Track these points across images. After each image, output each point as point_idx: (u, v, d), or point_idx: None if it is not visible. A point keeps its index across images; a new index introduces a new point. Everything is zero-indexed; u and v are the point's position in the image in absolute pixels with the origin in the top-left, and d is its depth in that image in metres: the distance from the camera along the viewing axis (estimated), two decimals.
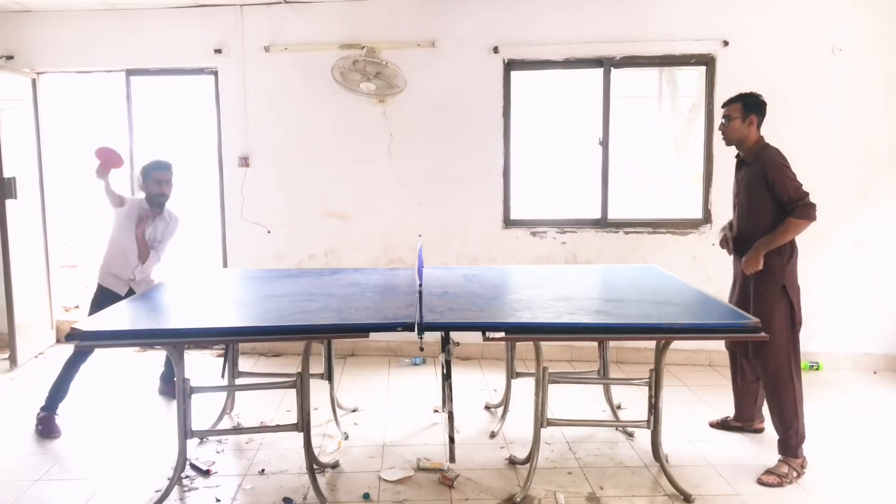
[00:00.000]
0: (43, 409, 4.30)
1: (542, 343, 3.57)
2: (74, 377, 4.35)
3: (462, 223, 5.72)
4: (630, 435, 4.15)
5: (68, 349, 4.31)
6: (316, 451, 3.74)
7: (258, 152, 5.78)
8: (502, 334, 3.17)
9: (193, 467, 3.73)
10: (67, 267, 7.45)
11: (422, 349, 4.48)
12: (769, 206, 3.64)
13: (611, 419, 4.37)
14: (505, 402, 4.38)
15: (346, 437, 4.14)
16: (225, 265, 5.95)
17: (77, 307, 6.42)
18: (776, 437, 3.71)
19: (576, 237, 5.66)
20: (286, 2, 5.59)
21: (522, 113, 5.75)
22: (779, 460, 3.64)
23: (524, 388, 4.40)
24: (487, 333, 3.17)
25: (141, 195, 4.59)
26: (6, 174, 5.37)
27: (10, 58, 5.78)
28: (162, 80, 6.18)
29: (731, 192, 3.99)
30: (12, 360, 5.54)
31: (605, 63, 5.54)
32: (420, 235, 5.41)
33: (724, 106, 3.84)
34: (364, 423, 4.38)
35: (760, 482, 3.54)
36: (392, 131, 5.68)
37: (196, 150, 6.78)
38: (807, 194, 3.56)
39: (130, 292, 4.45)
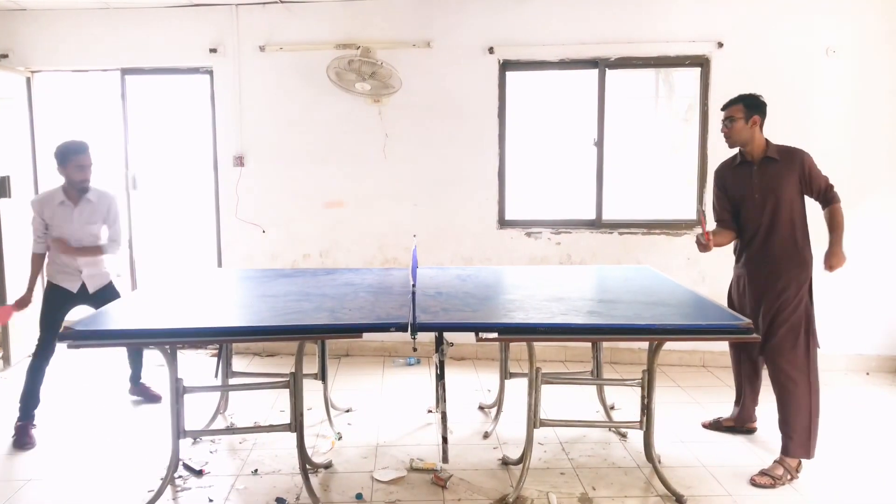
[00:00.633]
0: (19, 419, 4.22)
1: (535, 344, 3.56)
2: (41, 382, 4.28)
3: (457, 223, 5.72)
4: (623, 435, 4.16)
5: (61, 349, 4.29)
6: (309, 452, 3.74)
7: (253, 152, 5.77)
8: (495, 335, 3.17)
9: (186, 467, 3.72)
10: None
11: (415, 349, 4.45)
12: (799, 201, 3.71)
13: (604, 420, 4.38)
14: (499, 402, 4.38)
15: (340, 438, 4.14)
16: (219, 265, 5.94)
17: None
18: (769, 437, 3.72)
19: (570, 238, 5.66)
20: (281, 1, 5.59)
21: (517, 113, 5.76)
22: (775, 461, 3.64)
23: (518, 389, 4.40)
24: (481, 334, 3.17)
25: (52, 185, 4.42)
26: (0, 173, 5.36)
27: (4, 56, 5.77)
28: (157, 79, 6.16)
29: (729, 193, 3.92)
30: (5, 359, 5.53)
31: (601, 64, 5.55)
32: (415, 235, 5.42)
33: (724, 108, 3.81)
34: (357, 424, 4.38)
35: (754, 483, 3.55)
36: (387, 131, 5.68)
37: (191, 150, 6.78)
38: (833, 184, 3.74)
39: (84, 288, 4.40)
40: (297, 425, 3.46)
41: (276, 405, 4.64)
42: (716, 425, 4.26)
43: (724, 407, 4.30)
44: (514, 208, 5.79)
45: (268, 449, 3.98)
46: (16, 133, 5.75)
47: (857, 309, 5.48)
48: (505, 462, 3.80)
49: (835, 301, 5.46)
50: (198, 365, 5.55)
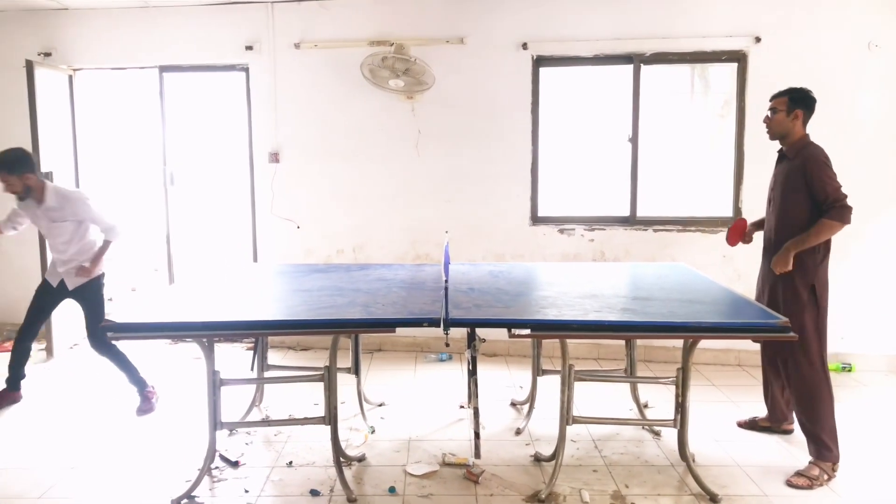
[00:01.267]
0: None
1: (568, 341, 3.56)
2: (24, 357, 4.64)
3: (489, 220, 5.73)
4: (657, 434, 4.13)
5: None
6: (343, 445, 3.78)
7: (288, 148, 5.83)
8: (528, 331, 3.17)
9: (223, 458, 3.79)
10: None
11: (448, 345, 4.50)
12: (805, 203, 3.58)
13: (637, 418, 4.35)
14: (531, 399, 4.38)
15: (373, 431, 4.17)
16: (255, 260, 6.02)
17: (110, 299, 6.53)
18: (805, 438, 3.66)
19: (604, 234, 5.63)
20: None
21: (551, 109, 5.73)
22: (810, 462, 3.60)
23: (550, 386, 4.39)
24: (513, 330, 3.17)
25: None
26: (44, 168, 5.49)
27: (47, 55, 5.91)
28: (194, 76, 6.26)
29: (768, 186, 3.93)
30: (48, 350, 5.67)
31: (635, 59, 5.50)
32: (447, 232, 5.42)
33: (771, 99, 3.78)
34: (390, 418, 4.41)
35: (790, 484, 3.51)
36: (420, 128, 5.70)
37: (227, 147, 6.86)
38: (845, 196, 3.49)
39: (63, 284, 4.55)
40: (331, 418, 3.50)
41: (310, 398, 4.69)
42: (752, 425, 4.22)
43: (760, 406, 4.24)
44: (546, 205, 5.78)
45: (302, 441, 4.03)
46: (58, 130, 5.89)
47: None
48: (537, 458, 3.80)
49: (876, 300, 5.36)
50: (234, 358, 5.63)
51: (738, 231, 4.11)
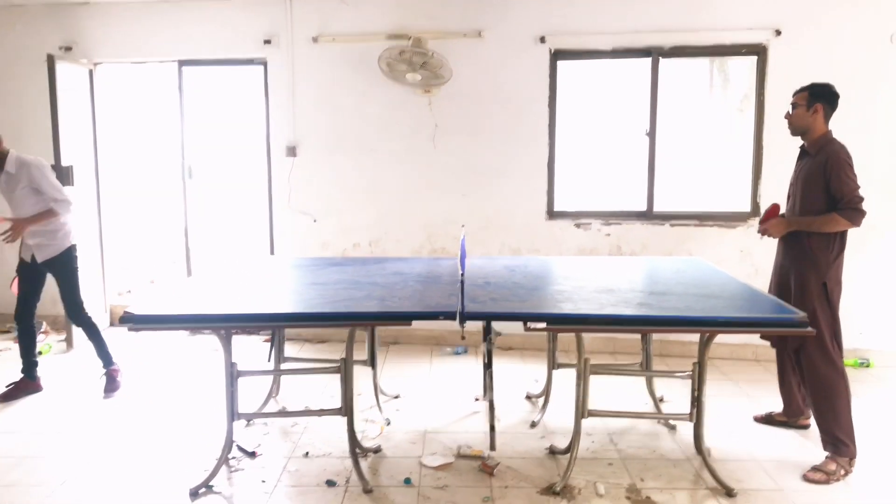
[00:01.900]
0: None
1: (584, 334, 3.56)
2: (33, 341, 4.76)
3: (505, 214, 5.73)
4: (672, 428, 4.13)
5: (122, 332, 4.45)
6: (359, 436, 3.80)
7: (305, 142, 5.86)
8: (544, 325, 3.18)
9: (240, 449, 3.82)
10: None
11: (463, 338, 4.51)
12: (823, 200, 3.56)
13: (653, 411, 4.35)
14: (546, 392, 4.39)
15: (389, 423, 4.20)
16: (272, 252, 6.06)
17: (129, 291, 6.61)
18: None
19: (621, 229, 5.62)
20: None
21: (568, 103, 5.72)
22: (826, 457, 3.58)
23: (566, 379, 4.39)
24: (529, 324, 3.17)
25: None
26: (64, 162, 5.56)
27: (68, 49, 5.97)
28: (213, 70, 6.30)
29: (789, 181, 3.91)
30: (69, 342, 5.75)
31: (654, 53, 5.47)
32: (463, 226, 5.44)
33: (794, 94, 3.75)
34: (406, 410, 4.44)
35: (806, 479, 3.49)
36: (437, 121, 5.71)
37: (245, 140, 6.90)
38: (861, 200, 3.47)
39: (33, 258, 4.63)
40: (347, 410, 3.53)
41: (326, 390, 4.72)
42: (768, 419, 4.20)
43: (776, 401, 4.22)
44: (563, 199, 5.77)
45: (318, 433, 4.06)
46: (79, 124, 5.95)
47: None
48: (552, 451, 3.81)
49: (894, 297, 5.31)
50: (251, 350, 5.67)
51: (771, 216, 4.07)
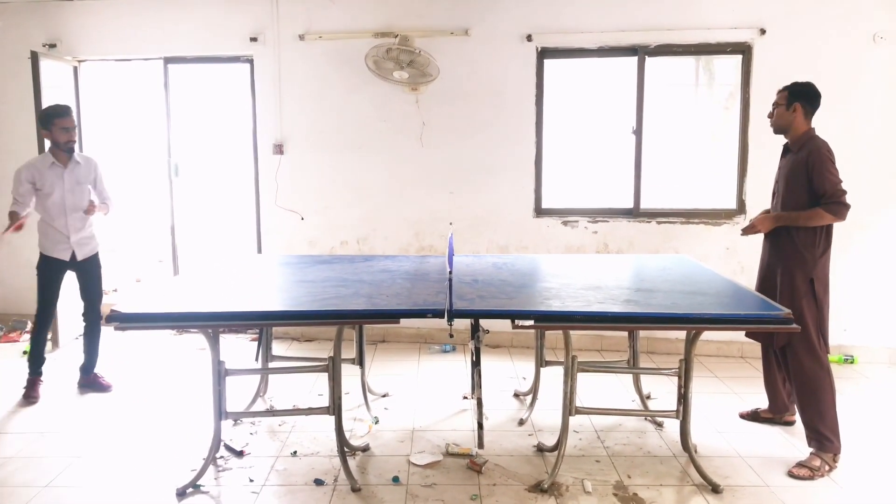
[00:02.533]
0: (29, 374, 4.66)
1: (571, 332, 3.58)
2: (44, 345, 4.70)
3: (493, 211, 5.73)
4: (659, 425, 4.15)
5: (108, 331, 4.42)
6: (347, 435, 3.80)
7: (292, 140, 5.84)
8: (531, 322, 3.19)
9: (227, 448, 3.81)
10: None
11: (451, 336, 4.50)
12: (806, 196, 3.60)
13: (640, 408, 4.37)
14: (534, 389, 4.40)
15: (377, 422, 4.20)
16: (259, 251, 6.04)
17: (115, 290, 6.57)
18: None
19: (608, 227, 5.64)
20: None
21: (555, 101, 5.73)
22: (811, 453, 3.62)
23: (553, 377, 4.41)
24: (517, 321, 3.19)
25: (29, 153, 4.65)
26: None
27: (52, 46, 5.92)
28: (199, 67, 6.27)
29: (774, 178, 3.94)
30: (54, 341, 5.69)
31: (640, 51, 5.49)
32: (451, 223, 5.44)
33: (777, 93, 3.80)
34: (394, 408, 4.44)
35: (791, 475, 3.52)
36: (424, 119, 5.71)
37: (231, 138, 6.88)
38: (843, 193, 3.51)
39: (73, 256, 4.60)
40: (335, 408, 3.52)
41: (314, 389, 4.71)
42: (754, 416, 4.23)
43: (762, 398, 4.25)
44: (550, 197, 5.78)
45: (306, 432, 4.06)
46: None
47: None
48: (540, 449, 3.82)
49: (879, 292, 5.37)
50: (238, 349, 5.66)
51: None
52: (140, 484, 3.48)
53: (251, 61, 5.85)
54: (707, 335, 4.50)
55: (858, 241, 5.25)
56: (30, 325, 6.07)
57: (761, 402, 4.28)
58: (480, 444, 3.55)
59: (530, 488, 3.41)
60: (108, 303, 6.15)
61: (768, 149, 4.01)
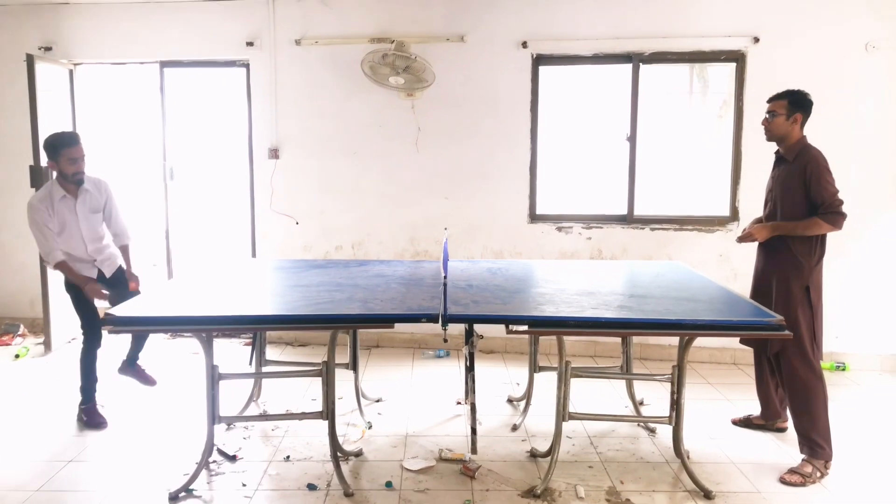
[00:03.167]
0: (82, 403, 4.31)
1: (565, 338, 3.59)
2: (95, 364, 4.33)
3: (488, 217, 5.75)
4: (652, 431, 4.16)
5: (102, 334, 4.40)
6: (340, 440, 3.80)
7: (288, 144, 5.85)
8: (525, 327, 3.20)
9: (221, 452, 3.81)
10: None
11: (446, 341, 4.51)
12: (803, 205, 3.62)
13: (633, 414, 4.38)
14: (527, 395, 4.41)
15: (370, 427, 4.20)
16: (254, 255, 6.04)
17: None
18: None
19: (601, 233, 5.66)
20: None
21: (550, 108, 5.76)
22: (803, 460, 3.63)
23: (547, 383, 4.43)
24: (511, 326, 3.20)
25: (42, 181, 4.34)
26: (43, 163, 5.49)
27: (48, 49, 5.91)
28: (195, 72, 6.27)
29: (766, 187, 3.96)
30: (47, 344, 5.69)
31: (634, 59, 5.52)
32: (446, 229, 5.45)
33: (769, 101, 3.80)
34: (388, 414, 4.44)
35: (783, 481, 3.53)
36: (420, 125, 5.72)
37: (227, 142, 6.88)
38: (841, 203, 3.54)
39: (101, 273, 4.37)
40: (328, 413, 3.52)
41: (307, 394, 4.71)
42: (746, 422, 4.25)
43: (755, 404, 4.27)
44: (545, 203, 5.80)
45: (299, 436, 4.05)
46: (58, 124, 5.88)
47: (893, 309, 5.39)
48: (533, 454, 3.83)
49: (870, 300, 5.39)
50: (232, 353, 5.65)
51: None
52: (133, 488, 3.47)
53: (247, 66, 5.86)
54: (700, 342, 4.52)
55: (850, 250, 5.28)
56: (22, 329, 6.07)
57: (754, 408, 4.29)
58: (474, 450, 3.57)
59: (523, 494, 3.41)
60: (103, 306, 6.16)
61: (761, 156, 4.03)
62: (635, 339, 4.95)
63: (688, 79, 5.86)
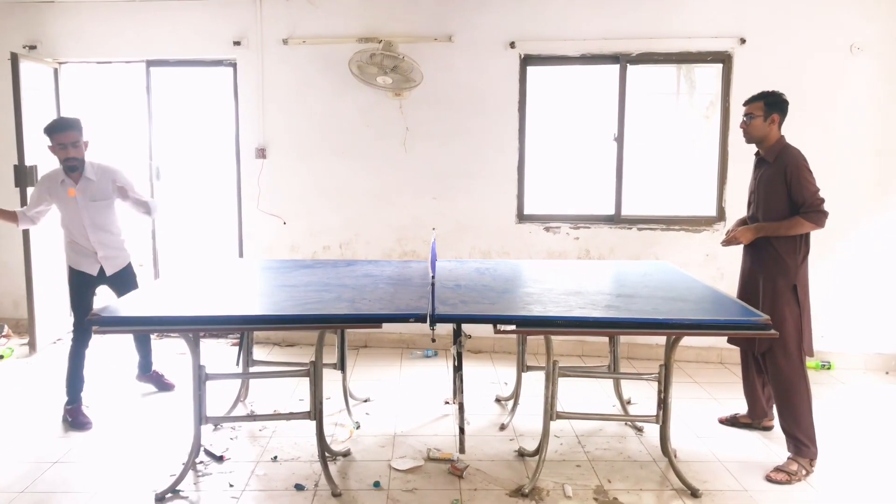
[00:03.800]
0: (67, 403, 4.29)
1: (552, 337, 3.59)
2: (83, 364, 4.32)
3: (476, 217, 5.75)
4: (639, 430, 4.18)
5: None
6: (328, 440, 3.79)
7: (275, 144, 5.83)
8: (513, 327, 3.21)
9: (207, 453, 3.79)
10: None
11: (434, 340, 4.52)
12: (786, 205, 3.64)
13: (620, 413, 4.40)
14: (515, 395, 4.41)
15: (358, 427, 4.19)
16: (241, 255, 6.01)
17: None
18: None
19: (589, 233, 5.67)
20: None
21: (538, 108, 5.77)
22: (788, 458, 3.65)
23: (535, 382, 4.45)
24: (499, 326, 3.20)
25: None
26: (28, 162, 5.45)
27: (32, 47, 5.86)
28: (181, 71, 6.23)
29: (748, 189, 3.99)
30: (31, 345, 5.64)
31: (622, 59, 5.54)
32: (434, 229, 5.45)
33: (746, 104, 3.83)
34: (376, 414, 4.43)
35: (769, 479, 3.56)
36: (408, 125, 5.71)
37: (214, 142, 6.85)
38: (822, 201, 3.57)
39: (102, 271, 4.36)
40: (316, 413, 3.51)
41: (295, 394, 4.70)
42: (732, 421, 4.27)
43: (741, 403, 4.29)
44: (533, 203, 5.81)
45: (287, 437, 4.04)
46: (43, 123, 5.82)
47: (877, 308, 5.44)
48: (521, 453, 3.83)
49: (855, 299, 5.44)
50: (219, 354, 5.62)
51: None
52: (119, 489, 3.45)
53: (234, 65, 5.84)
54: (687, 341, 4.54)
55: (835, 249, 5.32)
56: (6, 329, 6.02)
57: (740, 407, 4.32)
58: (462, 449, 3.57)
59: (511, 493, 3.42)
60: (96, 307, 6.11)
61: (748, 157, 4.05)
62: (623, 339, 4.98)
63: (675, 79, 5.89)
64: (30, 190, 5.43)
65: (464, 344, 3.52)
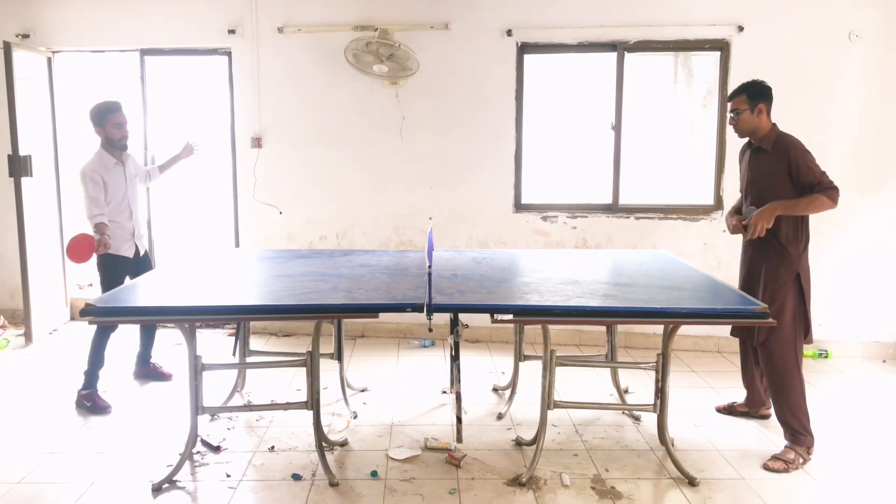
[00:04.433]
0: (84, 387, 4.31)
1: (550, 327, 3.59)
2: (105, 348, 4.38)
3: (473, 206, 5.73)
4: (637, 419, 4.18)
5: (82, 326, 4.36)
6: (325, 430, 3.79)
7: (271, 133, 5.80)
8: (510, 317, 3.20)
9: (204, 443, 3.78)
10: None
11: (431, 330, 4.51)
12: (790, 192, 3.61)
13: (617, 403, 4.40)
14: (513, 384, 4.41)
15: (355, 417, 4.18)
16: (237, 245, 5.99)
17: (91, 285, 6.48)
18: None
19: (586, 222, 5.66)
20: None
21: (535, 97, 5.74)
22: (785, 446, 3.66)
23: (532, 371, 4.45)
24: (496, 316, 3.19)
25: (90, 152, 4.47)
26: (22, 152, 5.43)
27: (25, 36, 5.82)
28: (176, 60, 6.19)
29: (741, 178, 3.96)
30: (27, 336, 5.62)
31: (619, 47, 5.51)
32: (431, 218, 5.43)
33: (729, 100, 3.81)
34: (373, 403, 4.43)
35: (766, 468, 3.56)
36: (404, 114, 5.69)
37: (209, 131, 6.80)
38: (832, 180, 3.56)
39: (136, 251, 4.54)
40: (313, 403, 3.50)
41: (292, 384, 4.69)
42: (730, 410, 4.28)
43: (739, 392, 4.30)
44: (530, 192, 5.79)
45: (284, 427, 4.03)
46: (37, 113, 5.81)
47: (875, 296, 5.44)
48: (518, 443, 3.83)
49: (852, 288, 5.44)
50: (216, 344, 5.61)
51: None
52: (115, 479, 3.44)
53: (229, 54, 5.80)
54: (684, 330, 4.53)
55: (833, 238, 5.32)
56: (2, 320, 6.00)
57: (738, 396, 4.32)
58: (459, 439, 3.57)
59: (509, 482, 3.42)
60: (84, 297, 6.10)
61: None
62: (620, 328, 4.97)
63: (672, 68, 5.86)
64: (25, 180, 5.42)
65: (461, 333, 3.51)
